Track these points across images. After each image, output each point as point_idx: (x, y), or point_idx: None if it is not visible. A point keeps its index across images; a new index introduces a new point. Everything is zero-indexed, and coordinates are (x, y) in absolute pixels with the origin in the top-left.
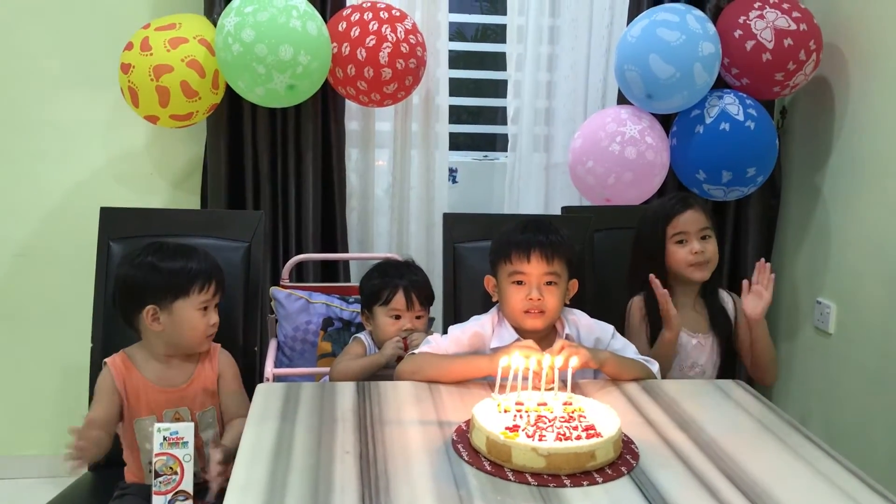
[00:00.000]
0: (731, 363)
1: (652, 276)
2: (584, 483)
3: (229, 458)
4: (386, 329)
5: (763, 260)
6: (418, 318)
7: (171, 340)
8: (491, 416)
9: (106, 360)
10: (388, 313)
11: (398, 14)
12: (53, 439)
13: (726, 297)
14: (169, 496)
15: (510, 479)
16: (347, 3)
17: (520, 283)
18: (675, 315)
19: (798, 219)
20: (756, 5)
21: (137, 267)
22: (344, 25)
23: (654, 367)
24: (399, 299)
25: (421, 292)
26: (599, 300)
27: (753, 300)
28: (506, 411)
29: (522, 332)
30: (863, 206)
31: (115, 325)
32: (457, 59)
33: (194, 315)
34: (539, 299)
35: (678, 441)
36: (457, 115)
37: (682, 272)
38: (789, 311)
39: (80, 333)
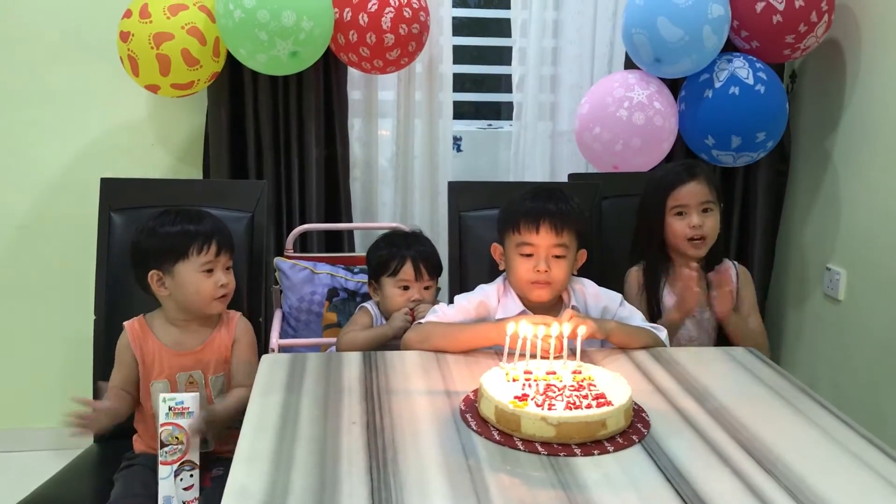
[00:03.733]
0: (729, 338)
1: (690, 265)
2: (595, 452)
3: (212, 422)
4: (394, 300)
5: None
6: (426, 288)
7: (180, 304)
8: (499, 386)
9: (125, 322)
10: (397, 284)
11: None
12: (59, 412)
13: (731, 268)
14: (175, 466)
15: (520, 449)
16: None
17: (528, 254)
18: (692, 303)
19: (807, 184)
20: None
21: (141, 232)
22: None
23: (662, 333)
24: (407, 270)
25: (429, 263)
26: (606, 268)
27: (717, 301)
28: (514, 380)
29: (528, 303)
30: (873, 171)
31: (118, 297)
32: (460, 27)
33: (197, 277)
34: (546, 271)
35: (689, 409)
36: (460, 83)
37: (679, 246)
38: (798, 277)
39: (84, 305)
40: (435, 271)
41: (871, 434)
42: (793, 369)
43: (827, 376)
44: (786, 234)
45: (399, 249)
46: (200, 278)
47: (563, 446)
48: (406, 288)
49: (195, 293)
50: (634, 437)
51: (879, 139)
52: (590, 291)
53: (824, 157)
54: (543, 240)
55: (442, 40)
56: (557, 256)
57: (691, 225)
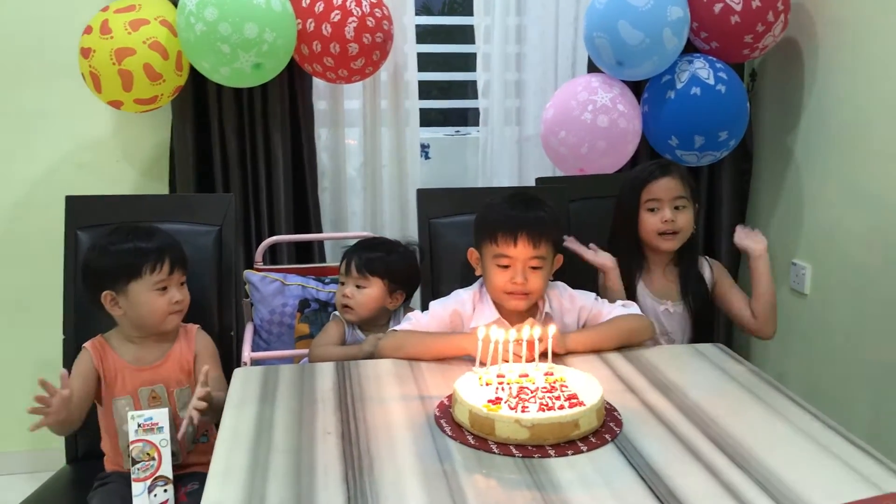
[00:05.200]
0: (704, 331)
1: (569, 238)
2: (569, 452)
3: (209, 400)
4: (336, 296)
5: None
6: (359, 287)
7: (134, 323)
8: (473, 390)
9: (85, 343)
10: (339, 280)
11: None
12: (29, 435)
13: (704, 265)
14: (149, 482)
15: (494, 452)
16: None
17: (505, 266)
18: (597, 259)
19: (771, 181)
20: None
21: (92, 251)
22: (308, 1)
23: (633, 308)
24: (343, 266)
25: (362, 261)
26: (575, 269)
27: (753, 239)
28: (487, 384)
29: (503, 310)
30: (834, 166)
31: (85, 316)
32: (424, 34)
33: (150, 296)
34: (523, 283)
35: (661, 406)
36: (427, 91)
37: (651, 240)
38: None
39: (52, 326)
40: (372, 272)
41: (840, 425)
42: (763, 363)
43: (796, 369)
44: None
45: (354, 248)
46: (154, 297)
47: (537, 448)
48: (342, 283)
49: (150, 312)
50: (607, 437)
51: (839, 135)
52: (565, 294)
53: (786, 154)
54: (521, 252)
55: (406, 48)
56: (535, 268)
57: (663, 219)
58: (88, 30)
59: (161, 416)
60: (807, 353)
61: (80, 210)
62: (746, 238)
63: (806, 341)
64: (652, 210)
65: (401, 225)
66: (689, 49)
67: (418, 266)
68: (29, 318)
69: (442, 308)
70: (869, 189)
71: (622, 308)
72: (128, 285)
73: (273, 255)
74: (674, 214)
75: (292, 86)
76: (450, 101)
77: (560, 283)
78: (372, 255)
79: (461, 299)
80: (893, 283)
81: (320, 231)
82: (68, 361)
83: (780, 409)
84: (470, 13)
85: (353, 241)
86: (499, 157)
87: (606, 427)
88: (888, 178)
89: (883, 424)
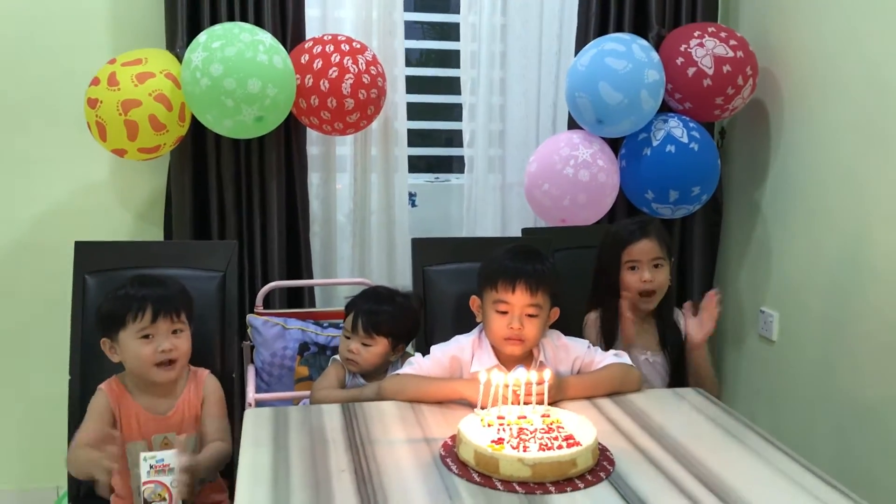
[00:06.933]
0: (682, 380)
1: (623, 301)
2: (568, 489)
3: (193, 470)
4: (341, 346)
5: (714, 291)
6: (364, 345)
7: (130, 371)
8: (476, 431)
9: (101, 385)
10: (343, 333)
11: (359, 46)
12: (24, 473)
13: (679, 316)
14: None
15: (499, 489)
16: (307, 36)
17: (503, 311)
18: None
19: (740, 233)
20: (696, 34)
21: (103, 298)
22: (306, 58)
23: (625, 358)
24: (349, 320)
25: (371, 319)
26: (560, 316)
27: (696, 326)
28: (489, 425)
29: (501, 355)
30: (799, 219)
31: (92, 358)
32: (412, 84)
33: (134, 344)
34: (520, 329)
35: (647, 446)
36: (411, 138)
37: (632, 298)
38: (735, 320)
39: (52, 366)
40: (377, 331)
41: (807, 462)
42: (733, 407)
43: (765, 412)
44: (722, 280)
45: (360, 302)
46: (139, 345)
47: (538, 485)
48: (348, 338)
49: (135, 359)
50: (602, 475)
51: (801, 191)
52: (558, 343)
53: (754, 209)
54: (519, 299)
55: (396, 98)
56: (531, 315)
57: (643, 279)
58: (96, 81)
59: (172, 457)
60: (774, 396)
61: (88, 255)
62: (691, 321)
63: (773, 386)
64: (632, 269)
65: (388, 271)
66: (665, 109)
67: (419, 318)
68: (29, 359)
69: (441, 353)
70: (828, 243)
71: (614, 357)
72: (118, 333)
73: (266, 298)
74: (652, 274)
75: (288, 135)
76: (436, 149)
77: (554, 331)
78: (379, 313)
79: (461, 345)
80: (854, 332)
81: (311, 276)
82: (74, 401)
83: (753, 446)
84: (457, 66)
85: (346, 286)
86: (482, 205)
87: (601, 466)
88: (844, 234)
89: (844, 462)
